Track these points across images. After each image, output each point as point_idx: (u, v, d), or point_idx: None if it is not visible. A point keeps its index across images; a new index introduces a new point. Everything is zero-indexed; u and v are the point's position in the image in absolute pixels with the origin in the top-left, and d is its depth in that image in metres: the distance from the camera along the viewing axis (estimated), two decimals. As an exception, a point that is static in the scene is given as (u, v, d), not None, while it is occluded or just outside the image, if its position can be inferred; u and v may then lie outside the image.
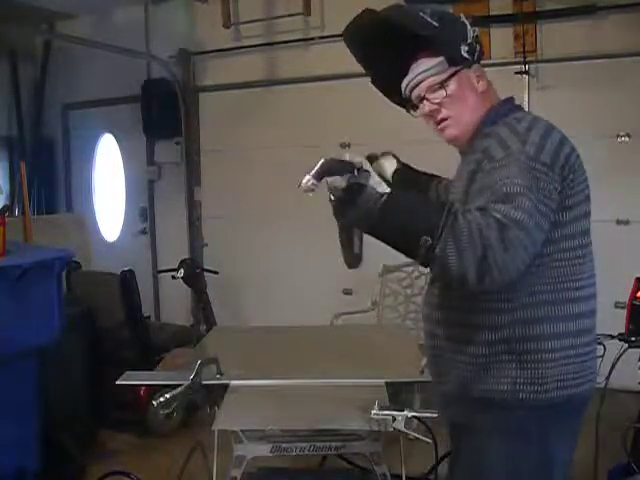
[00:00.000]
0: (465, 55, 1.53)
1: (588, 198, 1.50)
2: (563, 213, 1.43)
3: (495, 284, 1.30)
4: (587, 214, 1.50)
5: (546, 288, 1.45)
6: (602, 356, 2.47)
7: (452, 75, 1.55)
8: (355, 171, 1.33)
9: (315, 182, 1.30)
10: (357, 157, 1.36)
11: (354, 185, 1.31)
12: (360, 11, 1.57)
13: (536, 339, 1.45)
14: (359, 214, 1.32)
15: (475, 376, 1.51)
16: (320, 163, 1.31)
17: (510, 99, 1.63)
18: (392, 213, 1.31)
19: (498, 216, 1.27)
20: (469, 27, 1.56)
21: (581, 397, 1.51)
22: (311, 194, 1.31)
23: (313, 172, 1.30)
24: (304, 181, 1.30)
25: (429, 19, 1.49)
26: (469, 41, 1.54)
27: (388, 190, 1.32)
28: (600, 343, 2.48)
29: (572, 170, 1.43)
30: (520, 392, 1.46)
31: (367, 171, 1.33)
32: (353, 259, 1.72)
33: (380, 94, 1.78)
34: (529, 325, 1.45)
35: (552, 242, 1.43)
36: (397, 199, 1.32)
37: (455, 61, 1.54)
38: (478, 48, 1.56)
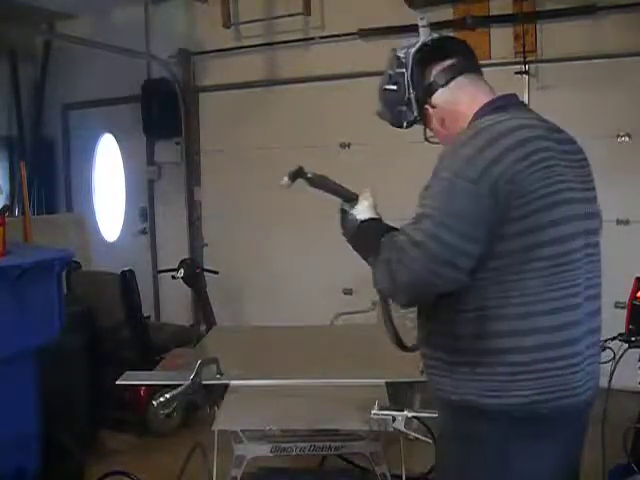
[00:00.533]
0: (420, 99, 1.62)
1: (547, 207, 1.40)
2: (504, 227, 1.38)
3: (402, 301, 1.55)
4: (547, 225, 1.40)
5: (496, 303, 1.42)
6: (611, 361, 2.48)
7: (428, 115, 1.64)
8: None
9: (289, 182, 1.81)
10: (365, 193, 1.71)
11: (341, 210, 1.77)
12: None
13: (489, 352, 1.44)
14: (344, 231, 1.74)
15: (439, 381, 1.55)
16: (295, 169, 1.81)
17: (495, 100, 1.58)
18: (358, 236, 1.67)
19: (402, 238, 1.43)
20: (412, 67, 1.61)
21: (547, 412, 1.43)
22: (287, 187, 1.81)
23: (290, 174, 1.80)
24: (282, 182, 1.82)
25: (389, 87, 1.68)
26: (427, 80, 1.60)
27: (362, 218, 1.66)
28: (608, 348, 2.49)
29: (510, 183, 1.37)
30: (476, 401, 1.46)
31: (355, 201, 1.71)
32: (396, 339, 1.98)
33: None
34: (482, 338, 1.44)
35: (496, 257, 1.40)
36: (366, 226, 1.65)
37: (421, 105, 1.62)
38: (439, 75, 1.58)
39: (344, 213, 1.73)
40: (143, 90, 5.99)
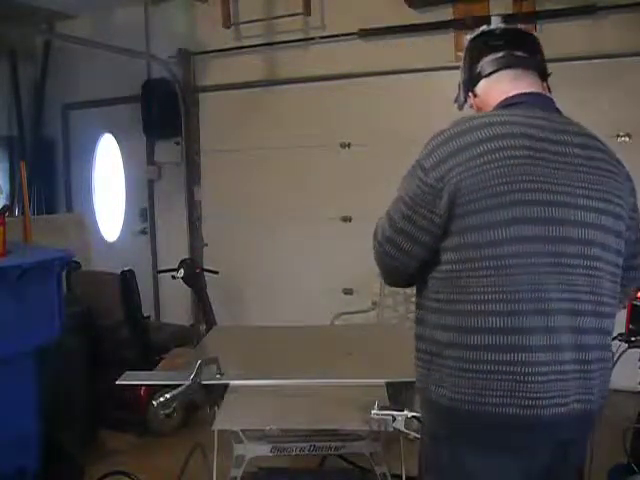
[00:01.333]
0: (468, 83, 1.67)
1: (503, 206, 1.36)
2: (454, 221, 1.40)
3: (384, 281, 1.69)
4: (501, 223, 1.36)
5: (450, 297, 1.44)
6: (613, 365, 2.47)
7: (464, 103, 1.71)
8: None
9: None
10: None
11: None
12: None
13: (435, 344, 1.48)
14: None
15: (415, 370, 1.60)
16: None
17: (513, 97, 1.56)
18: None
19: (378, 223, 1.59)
20: (466, 53, 1.67)
21: (493, 417, 1.38)
22: None
23: None
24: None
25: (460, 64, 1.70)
26: (467, 72, 1.66)
27: None
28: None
29: (461, 179, 1.38)
30: (428, 393, 1.49)
31: None
32: None
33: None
34: (438, 329, 1.47)
35: (450, 250, 1.43)
36: None
37: (464, 91, 1.69)
38: (485, 66, 1.61)
39: None
40: (143, 90, 5.98)
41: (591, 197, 1.45)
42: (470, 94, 1.66)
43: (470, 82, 1.65)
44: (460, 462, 1.45)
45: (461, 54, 1.70)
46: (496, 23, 1.68)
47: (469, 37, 1.67)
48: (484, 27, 1.67)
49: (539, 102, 1.57)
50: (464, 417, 1.42)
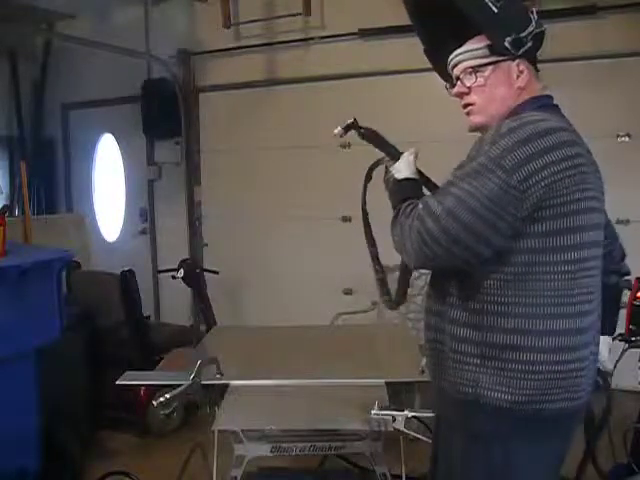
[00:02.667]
0: (508, 47, 1.54)
1: (579, 212, 1.41)
2: (533, 225, 1.40)
3: (410, 264, 1.55)
4: (577, 229, 1.41)
5: (516, 300, 1.43)
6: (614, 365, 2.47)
7: (489, 64, 1.57)
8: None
9: (342, 132, 1.83)
10: (408, 152, 1.70)
11: (385, 167, 1.76)
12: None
13: (489, 346, 1.46)
14: (386, 188, 1.70)
15: (443, 371, 1.56)
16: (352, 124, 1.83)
17: (541, 97, 1.58)
18: (393, 194, 1.64)
19: (420, 207, 1.45)
20: (533, 21, 1.57)
21: (555, 413, 1.45)
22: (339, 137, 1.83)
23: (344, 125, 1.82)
24: (336, 131, 1.84)
25: (490, 3, 1.52)
26: (522, 34, 1.54)
27: (399, 177, 1.64)
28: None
29: (545, 183, 1.37)
30: (481, 397, 1.47)
31: (397, 159, 1.70)
32: (401, 297, 1.97)
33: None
34: (497, 332, 1.45)
35: (522, 252, 1.42)
36: (400, 186, 1.63)
37: (498, 51, 1.55)
38: (530, 44, 1.56)
39: (387, 171, 1.74)
40: (143, 90, 5.99)
41: (603, 200, 1.55)
42: (515, 62, 1.56)
43: (517, 44, 1.55)
44: (515, 458, 1.49)
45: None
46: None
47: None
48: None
49: (557, 107, 1.63)
50: (526, 416, 1.45)
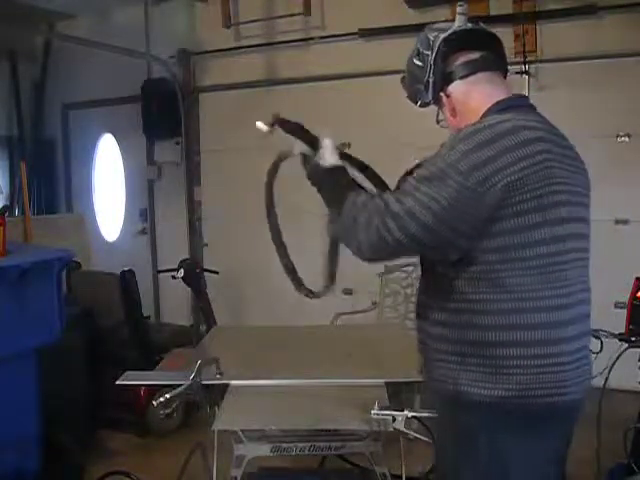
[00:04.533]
0: (418, 99, 1.68)
1: (544, 207, 1.42)
2: (495, 224, 1.41)
3: (361, 257, 1.53)
4: (542, 224, 1.42)
5: (488, 297, 1.45)
6: (598, 352, 2.48)
7: (435, 103, 1.67)
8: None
9: (265, 128, 1.90)
10: (326, 139, 1.76)
11: (302, 155, 1.82)
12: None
13: (468, 344, 1.47)
14: (308, 176, 1.78)
15: (429, 370, 1.60)
16: (276, 118, 1.90)
17: (506, 99, 1.59)
18: (324, 184, 1.72)
19: (380, 203, 1.47)
20: (434, 43, 1.62)
21: (538, 408, 1.45)
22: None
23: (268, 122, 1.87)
24: (258, 124, 1.91)
25: (415, 61, 1.68)
26: (425, 79, 1.63)
27: (328, 165, 1.70)
28: (597, 337, 2.49)
29: (504, 183, 1.38)
30: (462, 394, 1.48)
31: (317, 145, 1.77)
32: (330, 276, 1.98)
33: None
34: (473, 329, 1.47)
35: (488, 251, 1.43)
36: (332, 176, 1.70)
37: (433, 90, 1.64)
38: (450, 70, 1.59)
39: (306, 157, 1.79)
40: (143, 90, 5.99)
41: (580, 194, 1.56)
42: (442, 94, 1.63)
43: (443, 82, 1.61)
44: (502, 453, 1.48)
45: (422, 50, 1.66)
46: (461, 20, 1.64)
47: (440, 35, 1.61)
48: (454, 26, 1.63)
49: (531, 105, 1.62)
50: (508, 411, 1.45)
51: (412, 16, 5.03)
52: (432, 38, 1.63)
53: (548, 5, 4.74)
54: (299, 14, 5.36)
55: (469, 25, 1.65)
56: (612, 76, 4.55)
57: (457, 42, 1.60)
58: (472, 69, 1.59)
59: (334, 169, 1.69)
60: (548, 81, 4.69)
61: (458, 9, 1.64)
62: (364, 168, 1.87)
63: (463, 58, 1.59)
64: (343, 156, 1.76)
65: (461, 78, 1.59)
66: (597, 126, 4.51)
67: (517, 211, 1.41)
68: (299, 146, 1.84)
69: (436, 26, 1.66)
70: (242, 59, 5.76)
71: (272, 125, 1.90)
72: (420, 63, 1.65)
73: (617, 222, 4.64)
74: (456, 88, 1.60)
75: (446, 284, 1.50)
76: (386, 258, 1.59)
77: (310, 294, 1.94)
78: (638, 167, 4.53)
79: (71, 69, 6.41)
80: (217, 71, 6.00)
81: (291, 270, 1.94)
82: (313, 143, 1.79)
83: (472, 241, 1.43)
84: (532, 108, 1.61)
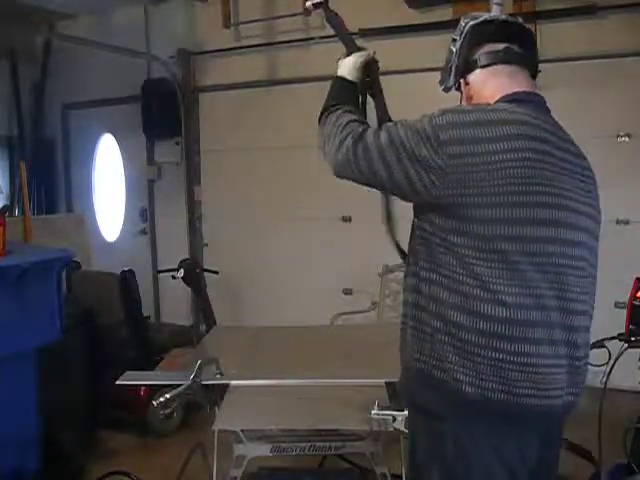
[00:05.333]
0: (441, 84, 1.71)
1: (515, 205, 1.39)
2: (454, 207, 1.41)
3: (329, 165, 1.58)
4: (509, 221, 1.39)
5: (449, 274, 1.44)
6: (606, 363, 2.47)
7: (451, 88, 1.70)
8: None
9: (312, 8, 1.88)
10: (362, 52, 1.80)
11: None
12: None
13: (441, 319, 1.45)
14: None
15: (402, 344, 1.59)
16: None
17: (515, 93, 1.56)
18: (330, 87, 1.77)
19: (359, 129, 1.53)
20: (464, 38, 1.62)
21: (500, 406, 1.40)
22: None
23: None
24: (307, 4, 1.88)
25: (450, 46, 1.68)
26: (449, 64, 1.66)
27: (339, 74, 1.78)
28: (602, 346, 2.49)
29: (473, 171, 1.39)
30: (428, 366, 1.47)
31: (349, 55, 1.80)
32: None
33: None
34: (437, 303, 1.46)
35: (449, 231, 1.43)
36: (336, 83, 1.78)
37: (455, 76, 1.67)
38: (474, 58, 1.61)
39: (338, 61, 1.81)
40: (143, 90, 5.99)
41: (581, 202, 1.51)
42: (462, 81, 1.65)
43: (465, 68, 1.63)
44: (462, 445, 1.45)
45: (454, 36, 1.66)
46: (497, 10, 1.66)
47: (470, 22, 1.62)
48: (487, 15, 1.64)
49: (541, 103, 1.59)
50: (470, 401, 1.42)
51: (412, 16, 5.03)
52: (463, 24, 1.63)
53: (548, 5, 4.74)
54: (299, 14, 5.35)
55: (503, 16, 1.65)
56: (612, 76, 4.55)
57: (484, 31, 1.61)
58: (493, 60, 1.59)
59: (341, 80, 1.75)
60: (548, 81, 4.68)
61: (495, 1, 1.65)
62: (377, 94, 1.83)
63: (488, 48, 1.60)
64: (370, 73, 1.79)
65: (482, 67, 1.60)
66: (597, 126, 4.50)
67: (486, 203, 1.39)
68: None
69: (473, 14, 1.66)
70: (242, 59, 5.76)
71: (315, 7, 1.90)
72: (452, 48, 1.66)
73: (618, 222, 4.65)
74: (476, 76, 1.62)
75: (421, 251, 1.52)
76: (349, 179, 1.58)
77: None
78: (638, 167, 4.53)
79: (71, 69, 6.41)
80: (217, 71, 6.00)
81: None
82: (349, 46, 1.84)
83: (419, 198, 1.46)
84: (543, 107, 1.58)
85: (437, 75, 1.76)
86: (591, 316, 1.55)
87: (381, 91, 1.77)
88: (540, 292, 1.42)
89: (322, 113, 1.68)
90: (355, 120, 1.58)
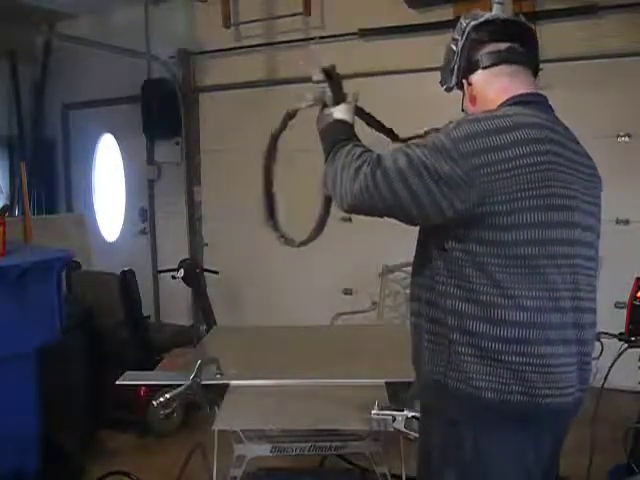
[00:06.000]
0: (442, 84, 1.70)
1: (532, 209, 1.40)
2: (475, 218, 1.41)
3: (343, 203, 1.53)
4: (528, 225, 1.40)
5: (473, 286, 1.44)
6: (598, 357, 2.47)
7: (453, 88, 1.69)
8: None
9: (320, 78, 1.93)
10: (349, 99, 1.79)
11: (323, 104, 1.86)
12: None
13: (456, 330, 1.46)
14: (317, 123, 1.84)
15: (419, 355, 1.58)
16: (326, 68, 1.92)
17: (521, 95, 1.57)
18: (328, 131, 1.75)
19: (374, 157, 1.48)
20: (466, 38, 1.61)
21: (519, 407, 1.42)
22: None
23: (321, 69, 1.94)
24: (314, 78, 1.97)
25: (451, 45, 1.66)
26: (450, 66, 1.65)
27: (337, 117, 1.74)
28: (597, 339, 2.49)
29: (492, 180, 1.38)
30: (445, 377, 1.48)
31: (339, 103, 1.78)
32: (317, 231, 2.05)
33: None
34: (451, 315, 1.47)
35: (472, 241, 1.43)
36: (338, 125, 1.73)
37: (457, 76, 1.66)
38: (476, 59, 1.60)
39: (324, 107, 1.83)
40: (143, 90, 5.99)
41: (588, 202, 1.53)
42: (464, 81, 1.64)
43: (467, 69, 1.62)
44: (480, 448, 1.47)
45: (455, 36, 1.64)
46: (498, 9, 1.64)
47: (472, 22, 1.61)
48: (488, 15, 1.63)
49: (545, 103, 1.60)
50: (490, 406, 1.43)
51: (412, 16, 5.03)
52: (464, 24, 1.62)
53: (548, 5, 4.73)
54: (299, 14, 5.36)
55: (504, 16, 1.65)
56: (612, 76, 4.55)
57: (485, 31, 1.59)
58: (496, 60, 1.58)
59: (344, 122, 1.72)
60: (548, 81, 4.68)
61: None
62: (380, 127, 1.90)
63: (489, 48, 1.59)
64: (362, 115, 1.82)
65: (484, 68, 1.59)
66: (597, 126, 4.50)
67: (505, 210, 1.39)
68: (306, 100, 1.97)
69: (473, 13, 1.65)
70: (242, 59, 5.76)
71: (328, 74, 1.93)
72: (454, 48, 1.65)
73: (618, 222, 4.65)
74: (478, 77, 1.61)
75: (440, 266, 1.50)
76: (365, 211, 1.52)
77: (289, 242, 2.00)
78: (638, 167, 4.53)
79: (71, 69, 6.41)
80: (217, 71, 6.00)
81: (271, 215, 2.00)
82: (339, 96, 1.83)
83: (446, 219, 1.42)
84: (548, 108, 1.59)
85: (437, 75, 1.76)
86: (595, 312, 1.57)
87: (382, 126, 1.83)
88: (559, 294, 1.45)
89: (328, 153, 1.64)
90: (368, 150, 1.54)
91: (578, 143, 1.57)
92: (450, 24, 4.92)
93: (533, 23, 4.67)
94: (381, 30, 5.14)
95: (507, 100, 1.55)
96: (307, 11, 5.32)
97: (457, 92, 1.72)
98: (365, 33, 5.24)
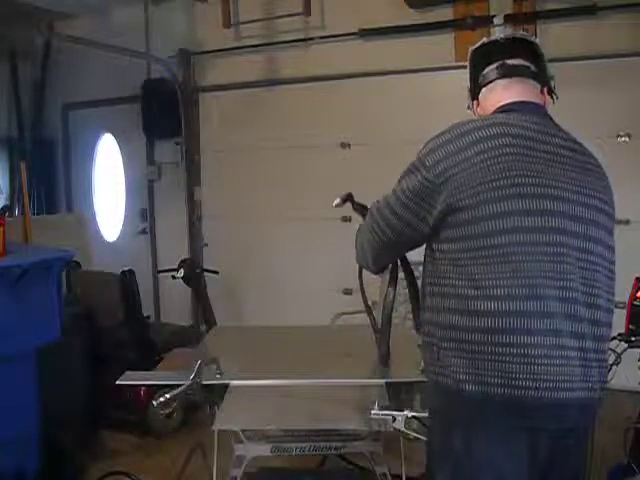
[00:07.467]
0: (468, 90, 1.81)
1: (498, 199, 1.45)
2: (452, 215, 1.49)
3: (370, 269, 1.95)
4: (495, 215, 1.45)
5: (452, 282, 1.51)
6: (613, 364, 2.47)
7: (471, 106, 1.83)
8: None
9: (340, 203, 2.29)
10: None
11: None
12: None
13: (438, 327, 1.54)
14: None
15: (422, 358, 1.69)
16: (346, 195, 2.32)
17: (503, 105, 1.65)
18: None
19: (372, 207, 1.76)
20: (470, 64, 1.77)
21: (505, 399, 1.41)
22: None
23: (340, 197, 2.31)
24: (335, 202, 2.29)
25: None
26: (471, 82, 1.78)
27: None
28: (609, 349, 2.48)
29: (457, 178, 1.48)
30: (435, 375, 1.54)
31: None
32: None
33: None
34: (433, 312, 1.57)
35: (447, 241, 1.53)
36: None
37: (470, 98, 1.80)
38: (480, 80, 1.73)
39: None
40: (143, 90, 5.99)
41: (581, 193, 1.55)
42: (474, 101, 1.77)
43: (474, 91, 1.77)
44: (471, 446, 1.48)
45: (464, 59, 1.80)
46: (498, 23, 1.77)
47: (470, 48, 1.77)
48: (484, 39, 1.77)
49: (531, 109, 1.65)
50: (472, 399, 1.45)
51: (412, 16, 5.03)
52: (470, 50, 1.79)
53: (548, 5, 4.74)
54: (299, 14, 5.36)
55: (500, 36, 1.78)
56: (612, 76, 4.55)
57: (481, 54, 1.75)
58: (491, 77, 1.71)
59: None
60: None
61: (495, 20, 1.80)
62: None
63: (488, 68, 1.71)
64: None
65: (484, 86, 1.73)
66: (597, 126, 4.50)
67: (473, 202, 1.47)
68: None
69: (483, 39, 1.80)
70: (242, 59, 5.76)
71: (344, 200, 2.29)
72: (468, 73, 1.82)
73: (618, 222, 4.63)
74: (482, 95, 1.75)
75: (427, 269, 1.64)
76: (387, 258, 1.75)
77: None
78: (638, 167, 4.53)
79: (71, 69, 6.41)
80: (217, 71, 6.00)
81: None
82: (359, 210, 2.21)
83: (427, 227, 1.56)
84: (537, 111, 1.64)
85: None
86: (601, 308, 1.54)
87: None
88: (534, 282, 1.45)
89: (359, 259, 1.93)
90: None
91: (573, 141, 1.61)
92: (450, 24, 4.95)
93: (533, 23, 4.69)
94: (381, 30, 5.14)
95: (494, 111, 1.66)
96: (307, 11, 5.32)
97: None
98: (365, 33, 5.24)
